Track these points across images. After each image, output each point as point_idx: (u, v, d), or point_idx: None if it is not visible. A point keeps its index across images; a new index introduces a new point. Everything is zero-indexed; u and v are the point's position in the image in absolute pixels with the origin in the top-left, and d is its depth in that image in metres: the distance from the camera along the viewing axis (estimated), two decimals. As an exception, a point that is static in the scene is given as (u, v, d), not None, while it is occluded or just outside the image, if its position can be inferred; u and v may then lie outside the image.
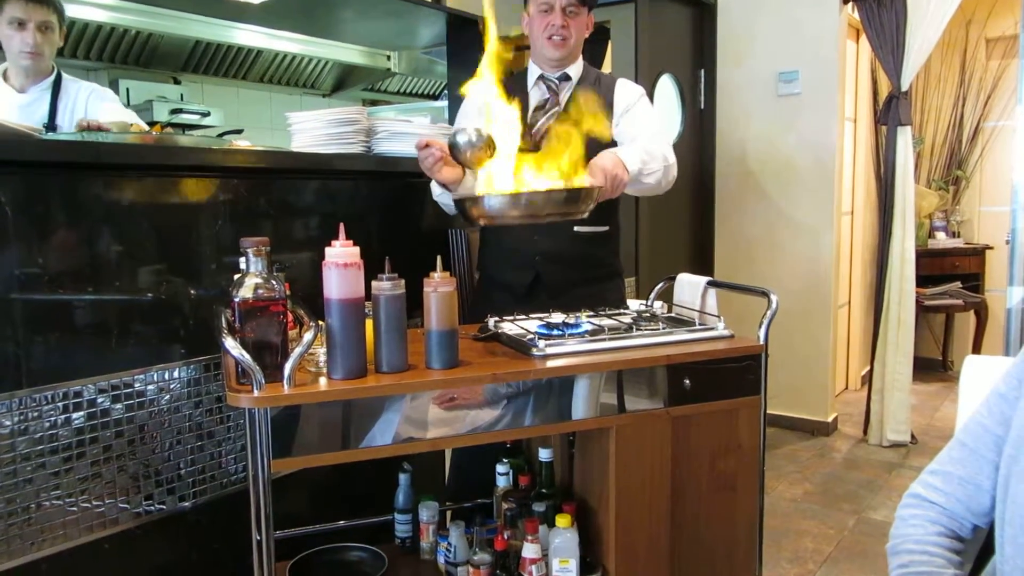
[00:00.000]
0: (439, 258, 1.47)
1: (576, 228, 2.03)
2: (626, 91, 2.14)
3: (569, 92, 2.10)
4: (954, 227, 5.01)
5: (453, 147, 1.75)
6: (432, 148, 1.86)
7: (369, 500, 2.02)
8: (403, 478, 1.90)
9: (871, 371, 3.79)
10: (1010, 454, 1.02)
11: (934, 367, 5.08)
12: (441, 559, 1.79)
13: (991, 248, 4.89)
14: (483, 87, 2.09)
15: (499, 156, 1.71)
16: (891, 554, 1.08)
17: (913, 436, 3.76)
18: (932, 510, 1.09)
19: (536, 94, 2.12)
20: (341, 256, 1.36)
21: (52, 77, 2.42)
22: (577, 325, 1.71)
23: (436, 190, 2.07)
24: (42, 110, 2.40)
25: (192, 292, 1.79)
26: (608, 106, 2.10)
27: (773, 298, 1.76)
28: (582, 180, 1.69)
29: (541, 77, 2.12)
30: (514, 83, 2.14)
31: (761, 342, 1.70)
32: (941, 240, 4.93)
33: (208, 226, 1.84)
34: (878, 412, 3.75)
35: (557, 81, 2.11)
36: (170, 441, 1.77)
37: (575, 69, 2.13)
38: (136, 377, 1.69)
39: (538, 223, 1.68)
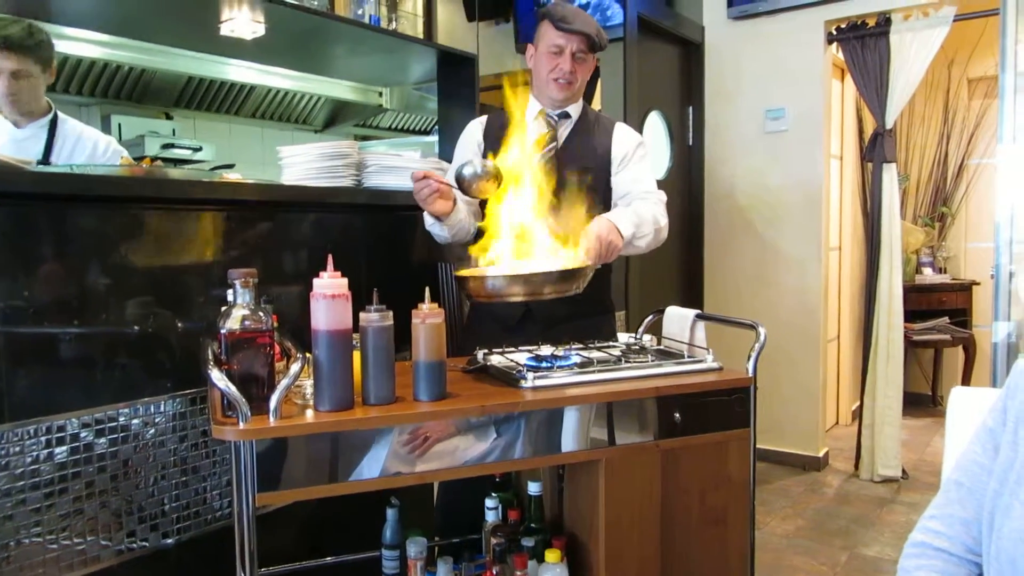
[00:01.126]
0: (427, 289, 1.47)
1: None
2: (625, 138, 2.17)
3: (568, 130, 2.14)
4: (941, 263, 5.06)
5: (460, 179, 1.84)
6: (429, 180, 1.89)
7: (356, 536, 1.99)
8: (391, 513, 1.87)
9: (861, 406, 3.79)
10: (994, 489, 1.01)
11: (923, 402, 5.09)
12: (428, 596, 1.76)
13: (978, 284, 4.93)
14: (480, 127, 2.14)
15: (504, 187, 1.82)
16: None
17: (904, 471, 3.75)
18: (939, 558, 1.05)
19: (536, 127, 2.14)
20: (329, 287, 1.36)
21: (50, 116, 2.43)
22: (566, 357, 1.71)
23: (428, 220, 2.08)
24: (38, 146, 2.40)
25: (179, 325, 1.78)
26: (606, 149, 2.14)
27: (761, 331, 1.76)
28: (577, 253, 1.79)
29: (541, 112, 2.14)
30: (509, 118, 2.17)
31: (750, 374, 1.70)
32: (928, 276, 4.97)
33: (196, 259, 1.84)
34: (869, 447, 3.74)
35: (556, 118, 2.14)
36: (154, 476, 1.74)
37: (575, 108, 2.16)
38: (121, 411, 1.67)
39: (537, 300, 1.74)
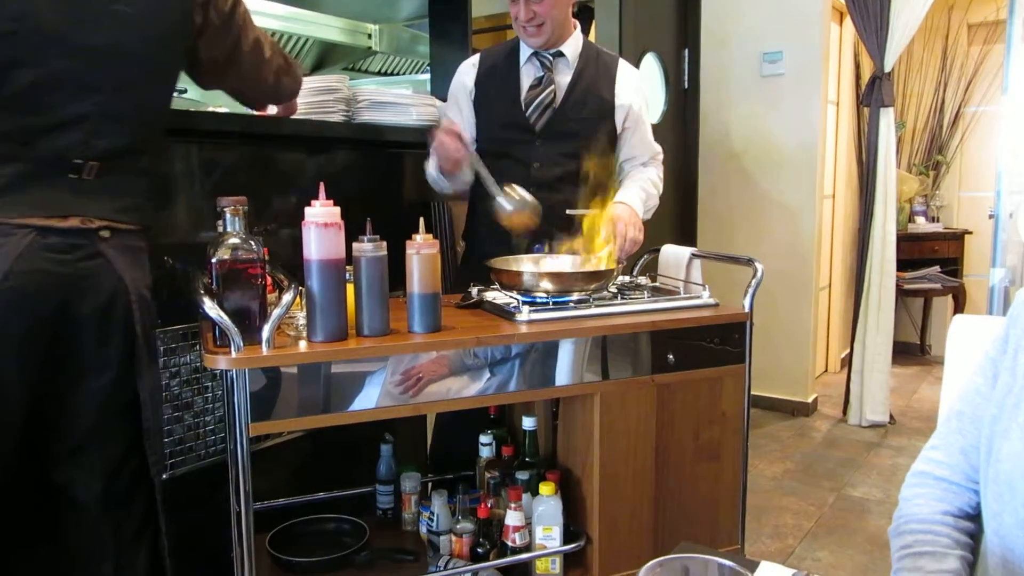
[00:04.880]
0: (421, 219, 1.45)
1: (568, 212, 2.01)
2: (629, 85, 2.08)
3: (569, 72, 2.03)
4: (934, 212, 5.04)
5: (499, 211, 1.86)
6: (459, 145, 1.85)
7: (350, 474, 1.99)
8: (385, 449, 1.88)
9: (851, 352, 3.81)
10: (993, 414, 1.00)
11: (912, 351, 5.13)
12: (423, 529, 1.77)
13: (970, 233, 4.93)
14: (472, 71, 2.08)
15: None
16: (893, 535, 1.03)
17: (892, 416, 3.79)
18: (937, 487, 1.05)
19: (530, 70, 2.05)
20: (321, 215, 1.33)
21: None
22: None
23: (433, 175, 2.02)
24: None
25: (167, 260, 1.75)
26: (610, 93, 2.05)
27: (758, 266, 1.75)
28: (602, 242, 1.84)
29: (535, 54, 2.04)
30: (504, 58, 2.09)
31: (746, 310, 1.70)
32: (921, 224, 4.96)
33: (183, 193, 1.79)
34: (857, 393, 3.77)
35: (551, 58, 2.04)
36: (146, 411, 1.73)
37: (570, 47, 2.04)
38: (110, 345, 1.65)
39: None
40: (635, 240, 1.87)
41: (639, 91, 2.11)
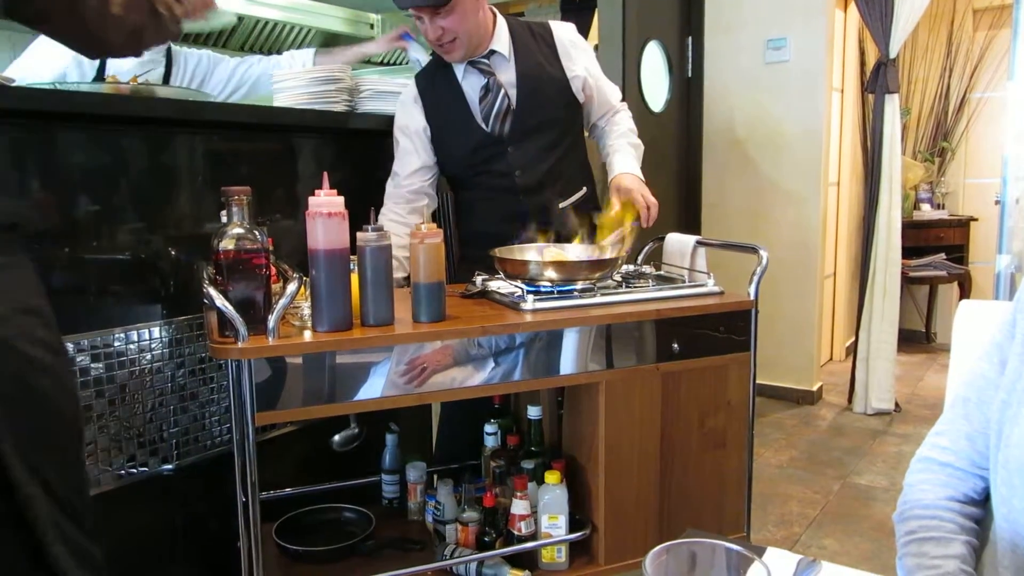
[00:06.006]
0: (425, 208, 1.44)
1: (561, 204, 2.01)
2: (570, 51, 2.00)
3: (513, 69, 1.94)
4: (939, 199, 5.02)
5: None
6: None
7: (355, 463, 2.00)
8: (390, 438, 1.88)
9: (856, 340, 3.80)
10: (1002, 399, 1.00)
11: (918, 339, 5.12)
12: (429, 518, 1.77)
13: (975, 220, 4.91)
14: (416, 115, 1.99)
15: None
16: (898, 522, 1.03)
17: (897, 404, 3.78)
18: (942, 472, 1.05)
19: (472, 82, 1.96)
20: (325, 205, 1.33)
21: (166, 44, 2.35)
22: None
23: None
24: (157, 71, 2.42)
25: (172, 252, 1.75)
26: (558, 67, 1.99)
27: (763, 254, 1.74)
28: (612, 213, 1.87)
29: (469, 63, 1.95)
30: (443, 80, 1.99)
31: (751, 298, 1.69)
32: (926, 212, 4.94)
33: (188, 183, 1.79)
34: (863, 380, 3.77)
35: (487, 60, 1.95)
36: (152, 402, 1.73)
37: (500, 41, 1.95)
38: (116, 336, 1.65)
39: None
40: (655, 204, 1.87)
41: (580, 48, 2.03)
